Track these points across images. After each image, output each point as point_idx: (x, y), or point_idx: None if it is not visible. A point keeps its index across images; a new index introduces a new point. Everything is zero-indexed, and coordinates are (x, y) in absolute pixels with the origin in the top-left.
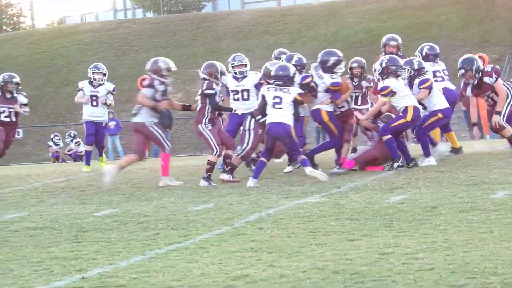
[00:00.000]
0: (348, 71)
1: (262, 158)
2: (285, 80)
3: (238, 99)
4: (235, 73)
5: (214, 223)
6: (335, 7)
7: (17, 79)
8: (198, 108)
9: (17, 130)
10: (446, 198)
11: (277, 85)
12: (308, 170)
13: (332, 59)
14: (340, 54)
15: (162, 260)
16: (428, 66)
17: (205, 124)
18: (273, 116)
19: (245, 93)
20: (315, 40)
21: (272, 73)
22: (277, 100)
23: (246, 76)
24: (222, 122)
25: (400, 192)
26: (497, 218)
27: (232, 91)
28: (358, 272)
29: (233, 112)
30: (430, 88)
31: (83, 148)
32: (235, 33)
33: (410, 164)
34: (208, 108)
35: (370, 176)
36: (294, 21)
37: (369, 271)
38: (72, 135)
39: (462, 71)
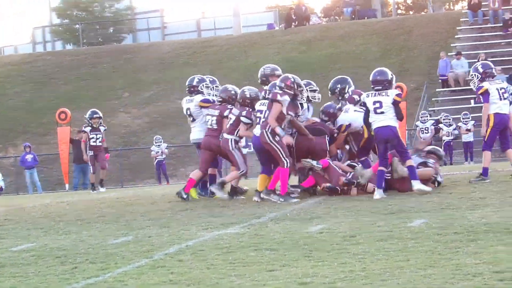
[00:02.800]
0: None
1: (380, 168)
2: (385, 85)
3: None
4: (215, 95)
5: (133, 255)
6: (255, 38)
7: None
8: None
9: None
10: (364, 227)
11: (376, 90)
12: (416, 184)
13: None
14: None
15: None
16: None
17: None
18: (377, 121)
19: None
20: (235, 71)
21: (370, 79)
22: (377, 105)
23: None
24: None
25: (319, 222)
26: (414, 247)
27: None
28: None
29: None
30: None
31: (2, 183)
32: (156, 64)
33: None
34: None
35: (289, 206)
36: (214, 52)
37: None
38: None
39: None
